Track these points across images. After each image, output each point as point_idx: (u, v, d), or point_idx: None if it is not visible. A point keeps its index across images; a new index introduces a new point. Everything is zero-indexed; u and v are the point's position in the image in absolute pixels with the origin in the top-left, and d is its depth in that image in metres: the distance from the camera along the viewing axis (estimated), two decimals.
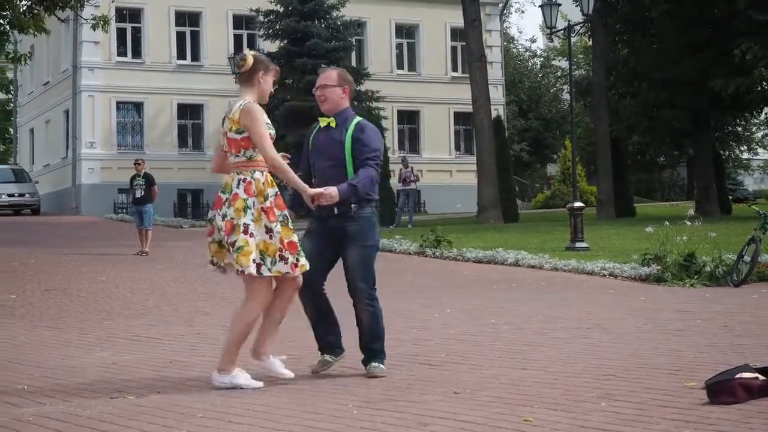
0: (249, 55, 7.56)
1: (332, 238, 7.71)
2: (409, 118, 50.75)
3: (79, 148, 45.06)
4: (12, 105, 61.79)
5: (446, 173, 49.94)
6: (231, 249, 7.20)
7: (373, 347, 7.74)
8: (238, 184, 7.27)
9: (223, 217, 7.24)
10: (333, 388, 7.19)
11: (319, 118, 7.90)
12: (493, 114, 37.93)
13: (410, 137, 50.86)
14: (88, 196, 44.19)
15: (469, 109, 38.52)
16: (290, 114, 41.62)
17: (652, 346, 8.89)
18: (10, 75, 61.54)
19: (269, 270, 7.23)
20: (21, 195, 44.65)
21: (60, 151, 48.31)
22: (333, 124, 7.74)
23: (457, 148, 51.61)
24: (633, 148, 49.94)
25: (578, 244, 21.94)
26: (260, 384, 7.24)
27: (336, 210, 7.61)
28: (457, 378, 7.44)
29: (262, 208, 7.25)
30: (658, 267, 16.32)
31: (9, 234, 28.60)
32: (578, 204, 23.02)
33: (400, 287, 15.75)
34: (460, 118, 50.73)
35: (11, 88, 62.12)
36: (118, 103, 45.61)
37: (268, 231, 7.23)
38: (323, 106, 7.81)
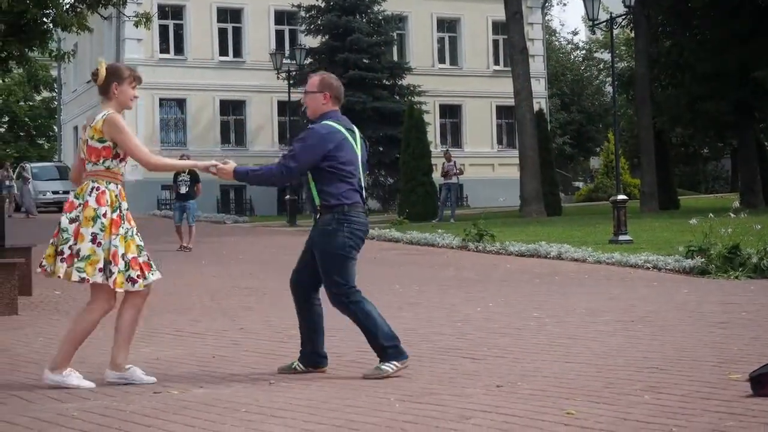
0: (102, 66, 7.63)
1: (311, 248, 7.73)
2: (451, 112, 50.70)
3: None
4: (56, 103, 62.26)
5: (488, 167, 49.84)
6: (75, 257, 7.30)
7: (373, 346, 7.57)
8: (91, 192, 7.35)
9: (71, 221, 7.35)
10: (375, 382, 7.19)
11: None
12: (536, 107, 37.80)
13: (452, 131, 50.81)
14: (132, 192, 44.10)
15: (511, 102, 38.42)
16: None
17: (696, 339, 8.84)
18: (54, 73, 61.99)
19: (107, 278, 7.33)
20: (65, 192, 44.91)
21: None
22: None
23: (500, 141, 51.50)
24: (676, 140, 49.65)
25: (621, 237, 21.82)
26: (92, 384, 7.26)
27: (314, 221, 7.75)
28: (499, 371, 7.43)
29: (112, 219, 7.31)
30: (703, 259, 16.20)
31: (53, 231, 28.81)
32: (621, 197, 22.89)
33: (442, 281, 15.74)
34: (502, 111, 50.63)
35: (55, 86, 62.59)
36: (161, 100, 45.86)
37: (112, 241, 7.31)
38: (308, 114, 7.95)
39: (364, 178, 7.78)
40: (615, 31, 31.59)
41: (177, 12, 45.99)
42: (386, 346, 7.46)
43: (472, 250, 21.60)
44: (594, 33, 59.11)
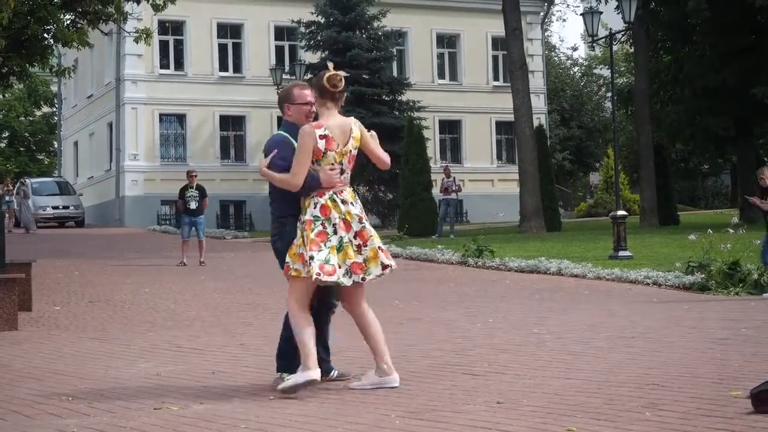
0: (342, 74, 7.86)
1: None
2: (450, 128, 50.74)
3: (122, 160, 45.39)
4: (56, 118, 62.32)
5: (488, 182, 49.89)
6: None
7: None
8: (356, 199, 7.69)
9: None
10: (375, 398, 7.18)
11: None
12: (535, 123, 37.85)
13: (452, 147, 50.86)
14: (132, 208, 44.49)
15: (510, 118, 38.47)
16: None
17: (697, 355, 8.83)
18: (54, 88, 62.08)
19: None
20: (65, 207, 45.04)
21: (104, 164, 48.68)
22: None
23: (499, 157, 51.54)
24: (676, 156, 49.69)
25: (621, 253, 21.84)
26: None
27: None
28: (499, 387, 7.41)
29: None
30: (703, 275, 16.21)
31: (53, 246, 28.84)
32: (621, 212, 22.93)
33: (442, 297, 15.74)
34: (501, 127, 50.69)
35: (55, 101, 62.66)
36: (161, 115, 45.90)
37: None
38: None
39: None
40: (614, 47, 31.66)
41: (177, 28, 46.07)
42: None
43: (472, 266, 21.60)
44: (593, 49, 59.20)
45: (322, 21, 44.12)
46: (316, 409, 6.81)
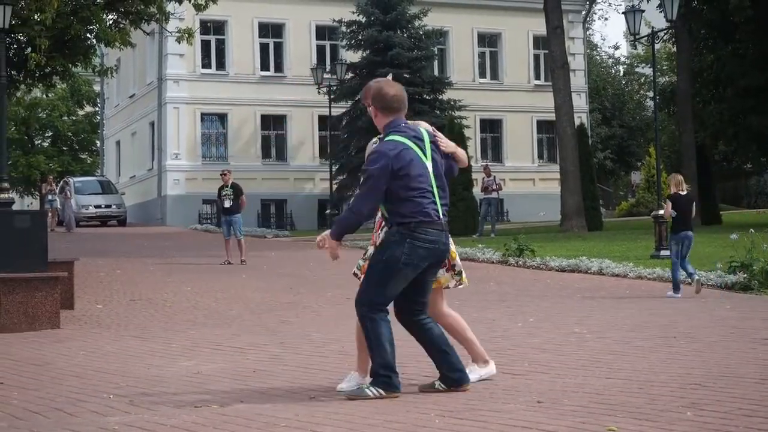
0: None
1: None
2: (491, 127, 50.65)
3: (164, 159, 45.62)
4: (99, 117, 62.73)
5: (529, 182, 49.76)
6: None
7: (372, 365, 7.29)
8: None
9: None
10: (415, 397, 7.17)
11: None
12: (577, 122, 37.69)
13: (493, 146, 50.76)
14: (174, 207, 44.70)
15: (552, 117, 38.33)
16: (373, 124, 41.60)
17: (738, 355, 8.76)
18: (97, 88, 62.46)
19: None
20: (108, 206, 45.30)
21: (146, 163, 48.95)
22: None
23: (540, 156, 51.39)
24: (719, 156, 49.33)
25: (663, 253, 21.69)
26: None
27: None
28: (540, 387, 7.39)
29: None
30: (745, 275, 16.09)
31: (96, 245, 29.03)
32: (663, 212, 22.79)
33: (483, 296, 15.71)
34: (543, 126, 50.53)
35: (98, 100, 63.07)
36: (202, 114, 46.09)
37: None
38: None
39: (438, 190, 7.41)
40: (656, 46, 31.46)
41: (219, 27, 46.24)
42: (379, 373, 7.16)
43: (513, 265, 21.55)
44: (635, 48, 58.89)
45: (363, 20, 44.13)
46: (356, 408, 6.81)
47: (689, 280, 15.72)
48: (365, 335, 7.25)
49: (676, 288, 15.53)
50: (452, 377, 7.33)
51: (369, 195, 7.21)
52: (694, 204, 16.44)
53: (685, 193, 16.06)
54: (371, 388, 7.12)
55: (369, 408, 6.78)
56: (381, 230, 7.49)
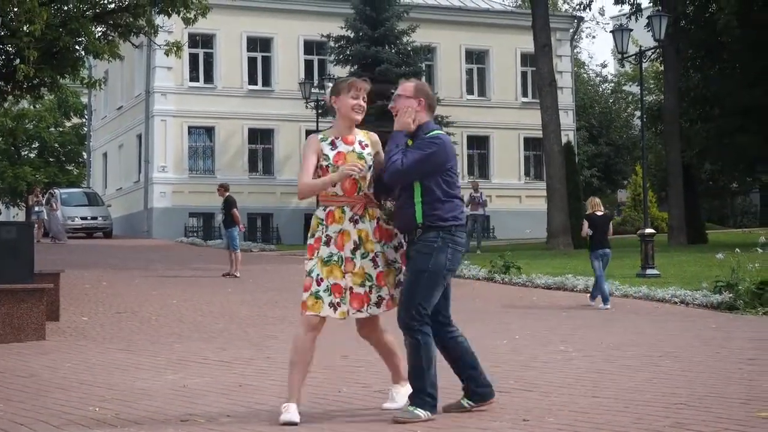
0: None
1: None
2: (479, 143, 50.71)
3: (151, 172, 45.55)
4: (86, 129, 62.64)
5: (516, 198, 49.81)
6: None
7: (414, 385, 6.99)
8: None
9: (396, 248, 7.19)
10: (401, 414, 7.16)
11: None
12: (564, 139, 37.77)
13: (480, 162, 50.81)
14: (160, 219, 44.63)
15: (539, 134, 38.43)
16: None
17: (724, 375, 8.79)
18: (84, 100, 62.38)
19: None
20: (94, 218, 45.20)
21: (132, 175, 48.88)
22: (410, 143, 7.16)
23: (527, 173, 51.46)
24: (705, 175, 49.48)
25: (649, 271, 21.78)
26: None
27: (406, 237, 7.15)
28: (526, 405, 7.40)
29: (309, 244, 7.28)
30: (731, 295, 16.13)
31: (81, 257, 28.96)
32: (649, 230, 22.88)
33: (468, 313, 15.70)
34: (530, 143, 50.61)
35: (85, 112, 62.98)
36: (189, 127, 46.05)
37: None
38: (396, 120, 7.28)
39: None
40: (644, 65, 31.57)
41: (207, 41, 46.25)
42: (428, 392, 6.92)
43: (498, 282, 21.57)
44: (623, 66, 59.07)
45: (352, 35, 44.18)
46: (343, 426, 6.81)
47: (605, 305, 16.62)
48: (415, 351, 6.93)
49: (605, 300, 16.59)
50: (480, 392, 7.21)
51: (420, 163, 7.00)
52: (610, 224, 17.56)
53: (601, 213, 17.34)
54: (419, 409, 6.86)
55: (357, 426, 6.77)
56: (393, 240, 7.16)
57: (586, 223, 17.26)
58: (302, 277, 7.05)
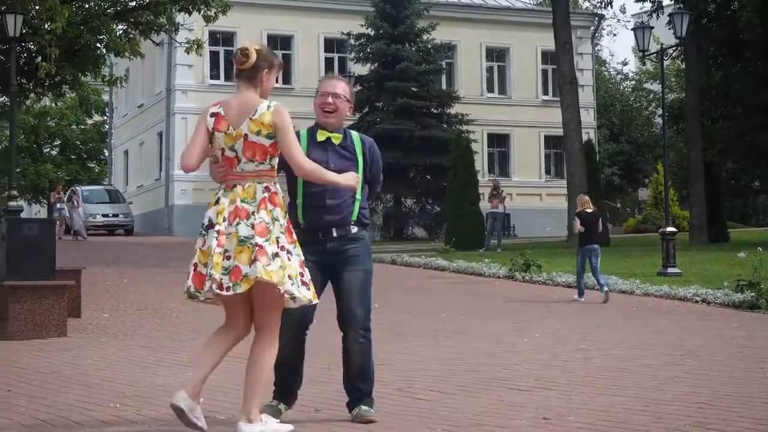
0: (252, 48, 6.42)
1: (326, 265, 6.81)
2: (499, 142, 50.65)
3: (172, 169, 45.63)
4: (107, 127, 62.85)
5: (536, 197, 49.73)
6: (273, 257, 6.09)
7: (361, 387, 6.87)
8: (264, 191, 6.28)
9: (253, 225, 6.13)
10: (419, 412, 7.17)
11: (318, 131, 6.97)
12: (584, 137, 37.69)
13: (500, 161, 50.75)
14: (181, 216, 44.70)
15: (559, 132, 38.34)
16: (381, 137, 41.76)
17: (746, 375, 8.75)
18: (105, 97, 62.59)
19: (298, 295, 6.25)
20: (115, 215, 45.35)
21: (153, 173, 49.00)
22: (337, 141, 6.90)
23: (548, 171, 51.38)
24: (726, 173, 49.29)
25: (670, 270, 21.71)
26: (290, 427, 6.39)
27: (335, 232, 6.84)
28: (546, 403, 7.39)
29: (286, 225, 6.33)
30: (752, 294, 16.07)
31: (103, 254, 29.04)
32: (670, 229, 22.80)
33: (489, 311, 15.70)
34: (550, 141, 50.53)
35: (107, 110, 63.19)
36: None
37: (287, 251, 6.24)
38: (329, 118, 6.95)
39: None
40: (665, 62, 31.46)
41: (228, 39, 46.30)
42: (372, 392, 6.95)
43: (519, 280, 21.54)
44: (644, 64, 58.87)
45: (372, 33, 44.21)
46: (362, 424, 6.80)
47: (600, 289, 17.49)
48: (368, 351, 6.89)
49: (580, 293, 17.69)
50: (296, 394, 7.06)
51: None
52: (600, 221, 18.60)
53: (591, 211, 18.17)
54: (373, 405, 6.87)
55: (375, 424, 6.76)
56: (332, 234, 6.86)
57: (577, 221, 18.06)
58: None
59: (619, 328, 13.12)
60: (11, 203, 21.61)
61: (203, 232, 6.30)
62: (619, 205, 61.11)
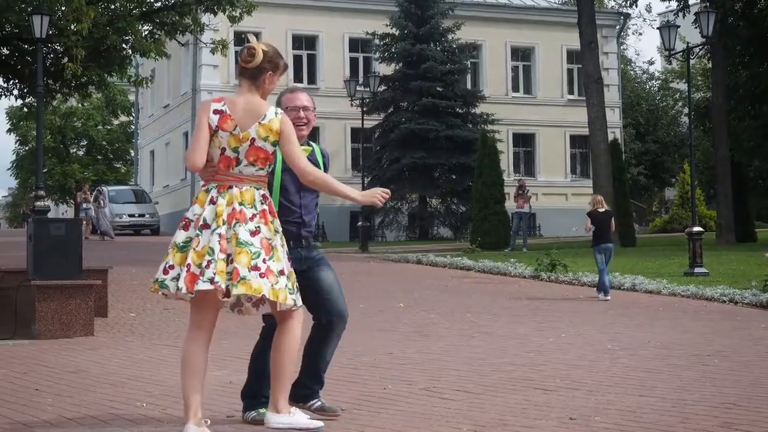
0: (259, 48, 6.45)
1: (297, 272, 6.55)
2: (524, 141, 50.59)
3: None
4: (133, 127, 63.11)
5: (562, 197, 49.63)
6: (279, 275, 6.15)
7: (323, 381, 6.98)
8: (263, 200, 6.24)
9: (252, 233, 6.10)
10: (446, 411, 7.17)
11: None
12: (610, 137, 37.58)
13: (526, 160, 50.69)
14: None
15: (585, 132, 38.24)
16: (406, 136, 41.79)
17: None
18: (131, 98, 62.87)
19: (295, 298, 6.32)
20: (141, 215, 45.54)
21: (179, 173, 49.15)
22: (306, 153, 6.75)
23: (573, 171, 51.28)
24: (754, 173, 49.08)
25: (697, 270, 21.61)
26: (320, 424, 6.44)
27: (305, 242, 6.83)
28: (572, 404, 7.37)
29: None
30: None
31: (129, 254, 29.13)
32: (697, 228, 22.69)
33: (515, 311, 15.67)
34: (576, 141, 50.43)
35: (133, 110, 63.46)
36: None
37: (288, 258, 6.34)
38: (303, 131, 6.92)
39: None
40: (692, 62, 31.33)
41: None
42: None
43: (545, 280, 21.49)
44: (670, 63, 58.68)
45: (397, 33, 44.23)
46: (387, 422, 6.81)
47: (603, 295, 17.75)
48: (336, 345, 7.03)
49: (605, 292, 17.71)
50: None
51: None
52: (612, 219, 18.66)
53: (603, 210, 18.42)
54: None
55: (400, 421, 6.76)
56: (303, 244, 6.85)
57: (588, 220, 18.34)
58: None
59: (645, 328, 13.07)
60: (38, 203, 21.70)
61: (197, 231, 6.18)
62: (645, 205, 60.92)
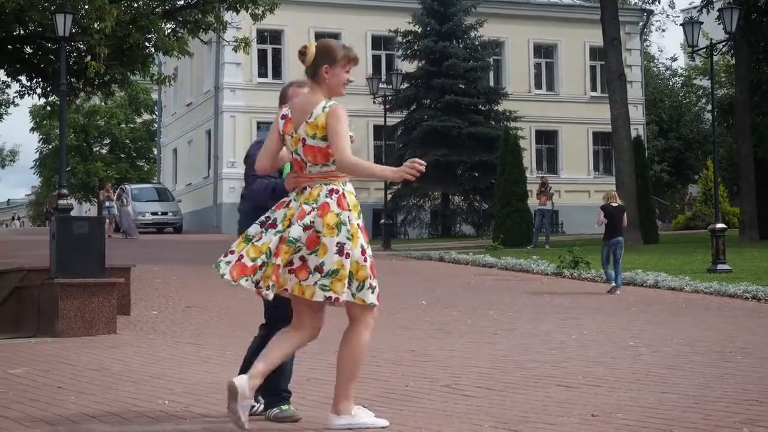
0: (310, 46, 6.48)
1: None
2: (547, 138, 50.49)
3: (220, 167, 45.88)
4: (156, 125, 63.29)
5: (584, 194, 49.47)
6: (318, 272, 6.09)
7: (285, 386, 7.06)
8: (329, 195, 6.16)
9: (305, 228, 6.10)
10: (467, 408, 7.16)
11: None
12: (633, 134, 37.48)
13: (548, 157, 50.59)
14: (229, 215, 44.85)
15: (608, 128, 38.13)
16: (428, 134, 41.78)
17: None
18: (154, 96, 63.04)
19: (353, 295, 6.20)
20: (164, 213, 45.64)
21: (202, 171, 49.25)
22: None
23: (596, 168, 51.15)
24: None
25: (720, 267, 21.54)
26: (385, 422, 6.41)
27: None
28: (594, 400, 7.35)
29: (357, 225, 6.18)
30: None
31: (152, 252, 29.22)
32: (720, 225, 22.61)
33: (537, 308, 15.65)
34: (599, 138, 50.29)
35: (155, 108, 63.62)
36: (258, 123, 46.16)
37: (363, 252, 6.17)
38: None
39: None
40: (715, 58, 31.19)
41: (275, 37, 46.47)
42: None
43: (567, 277, 21.46)
44: (693, 59, 58.41)
45: (419, 30, 44.22)
46: (409, 419, 6.81)
47: (612, 282, 18.42)
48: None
49: (609, 280, 18.62)
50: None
51: None
52: (624, 214, 19.46)
53: (616, 205, 19.17)
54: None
55: (421, 419, 6.77)
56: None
57: (601, 213, 18.97)
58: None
59: (668, 325, 13.04)
60: (61, 201, 21.79)
61: (262, 230, 6.24)
62: (668, 202, 60.67)
